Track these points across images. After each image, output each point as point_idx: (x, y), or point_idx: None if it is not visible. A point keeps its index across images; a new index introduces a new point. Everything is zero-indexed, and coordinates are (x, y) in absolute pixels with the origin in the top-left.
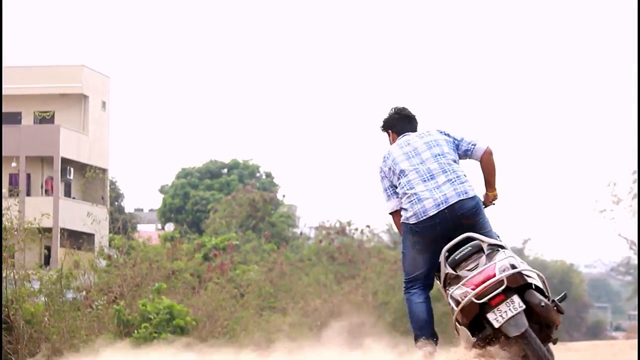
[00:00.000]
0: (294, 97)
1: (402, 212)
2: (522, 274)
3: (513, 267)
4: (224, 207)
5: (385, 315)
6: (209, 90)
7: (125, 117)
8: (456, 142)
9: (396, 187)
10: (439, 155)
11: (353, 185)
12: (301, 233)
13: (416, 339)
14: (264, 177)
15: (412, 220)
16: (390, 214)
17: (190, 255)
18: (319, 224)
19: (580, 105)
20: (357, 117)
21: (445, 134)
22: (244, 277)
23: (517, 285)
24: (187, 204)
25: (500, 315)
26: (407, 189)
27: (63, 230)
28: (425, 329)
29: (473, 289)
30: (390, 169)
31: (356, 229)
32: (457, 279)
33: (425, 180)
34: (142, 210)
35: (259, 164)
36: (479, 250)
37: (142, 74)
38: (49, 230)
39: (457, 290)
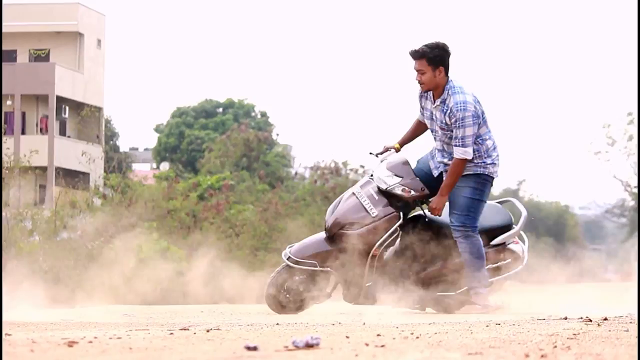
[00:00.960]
0: (289, 35)
1: (481, 161)
2: None
3: None
4: (219, 146)
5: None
6: (205, 29)
7: (121, 56)
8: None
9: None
10: None
11: (348, 125)
12: (296, 173)
13: (483, 279)
14: (259, 116)
15: (497, 175)
16: (465, 159)
17: (185, 195)
18: (313, 164)
19: (575, 45)
20: (351, 56)
21: None
22: (240, 217)
23: None
24: (182, 143)
25: None
26: (495, 145)
27: (58, 169)
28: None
29: None
30: (482, 114)
31: (351, 169)
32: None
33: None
34: (137, 149)
35: (254, 103)
36: None
37: (138, 12)
38: (44, 169)
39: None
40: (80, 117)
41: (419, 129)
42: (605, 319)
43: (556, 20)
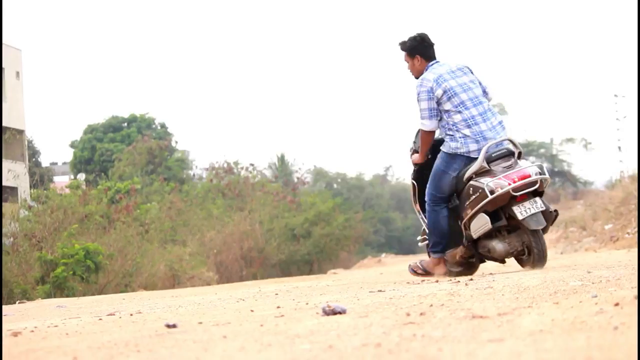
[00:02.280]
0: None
1: (452, 140)
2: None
3: (541, 173)
4: (127, 156)
5: (271, 240)
6: (107, 53)
7: (38, 83)
8: (482, 85)
9: (440, 111)
10: (482, 95)
11: (238, 128)
12: (194, 174)
13: (435, 246)
14: (159, 127)
15: (475, 155)
16: (425, 131)
17: (98, 200)
18: (209, 165)
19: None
20: (240, 58)
21: (472, 73)
22: (147, 215)
23: (541, 190)
24: (94, 155)
25: (525, 210)
26: (471, 123)
27: None
28: (445, 240)
29: (511, 183)
30: (444, 92)
31: (242, 167)
32: (489, 172)
33: (485, 120)
34: (56, 163)
35: (154, 116)
36: (512, 153)
37: (50, 44)
38: None
39: (492, 182)
40: (4, 140)
41: None
42: (471, 280)
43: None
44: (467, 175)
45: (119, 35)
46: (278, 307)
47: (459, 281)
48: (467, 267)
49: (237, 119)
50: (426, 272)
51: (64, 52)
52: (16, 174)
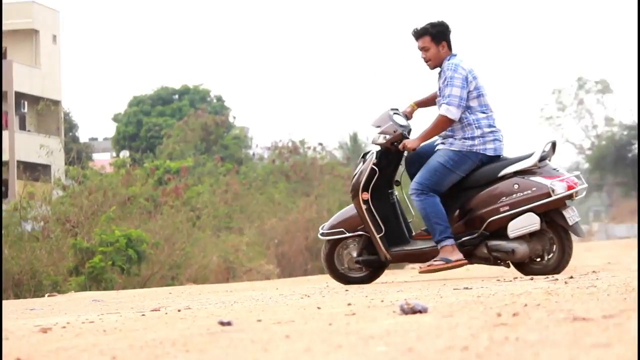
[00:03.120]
0: (240, 17)
1: (469, 138)
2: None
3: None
4: (177, 132)
5: None
6: (157, 17)
7: (77, 49)
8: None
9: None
10: None
11: (304, 104)
12: (253, 154)
13: (443, 232)
14: (215, 101)
15: (490, 153)
16: (446, 119)
17: (144, 181)
18: (271, 144)
19: (523, 9)
20: (306, 33)
21: None
22: (199, 199)
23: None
24: (140, 130)
25: (574, 217)
26: (492, 123)
27: (19, 162)
28: (448, 226)
29: (572, 187)
30: (475, 89)
31: (309, 147)
32: (535, 172)
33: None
34: (96, 139)
35: (209, 88)
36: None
37: (91, 6)
38: (5, 163)
39: (552, 182)
40: (38, 111)
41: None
42: (571, 277)
43: None
44: (512, 170)
45: None
46: (349, 304)
47: (557, 279)
48: (372, 272)
49: (304, 93)
50: (447, 262)
51: (107, 14)
52: (50, 149)
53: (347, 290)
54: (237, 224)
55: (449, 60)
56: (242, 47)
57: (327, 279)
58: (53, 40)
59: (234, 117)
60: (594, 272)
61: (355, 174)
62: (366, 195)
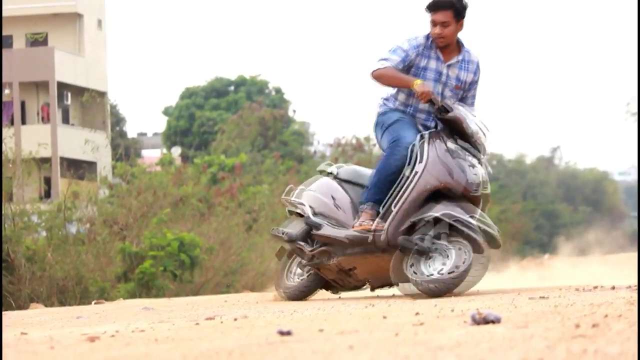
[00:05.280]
0: (300, 4)
1: None
2: None
3: None
4: (232, 127)
5: None
6: (210, 2)
7: (124, 36)
8: None
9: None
10: None
11: (369, 98)
12: (315, 151)
13: (376, 199)
14: (273, 93)
15: None
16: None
17: (196, 179)
18: (334, 140)
19: (604, 6)
20: (373, 22)
21: None
22: (256, 200)
23: None
24: (193, 125)
25: None
26: None
27: (63, 159)
28: (384, 193)
29: None
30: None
31: (374, 145)
32: None
33: None
34: (145, 134)
35: (267, 79)
36: None
37: None
38: (47, 160)
39: None
40: (83, 103)
41: None
42: None
43: None
44: None
45: None
46: (417, 313)
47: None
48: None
49: (369, 86)
50: None
51: None
52: (95, 145)
53: (414, 299)
54: None
55: (468, 50)
56: (304, 35)
57: (394, 289)
58: (98, 25)
59: (294, 111)
60: None
61: None
62: None
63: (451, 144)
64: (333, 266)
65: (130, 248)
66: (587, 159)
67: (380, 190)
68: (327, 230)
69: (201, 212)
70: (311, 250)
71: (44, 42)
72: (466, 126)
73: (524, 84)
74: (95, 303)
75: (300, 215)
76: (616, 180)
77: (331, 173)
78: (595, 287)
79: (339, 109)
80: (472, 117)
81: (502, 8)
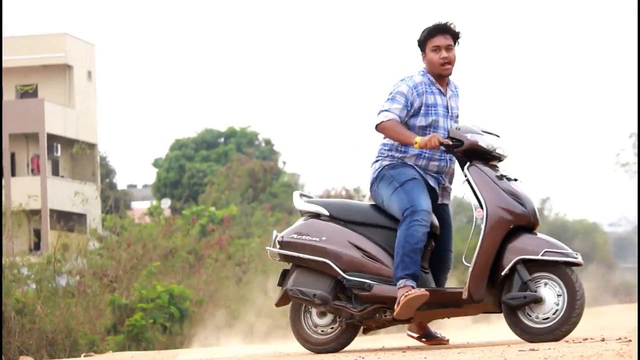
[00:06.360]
0: (289, 57)
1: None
2: None
3: None
4: (222, 179)
5: None
6: (201, 55)
7: (114, 88)
8: None
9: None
10: None
11: (358, 150)
12: None
13: (409, 273)
14: (263, 144)
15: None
16: None
17: (185, 231)
18: (323, 192)
19: (596, 54)
20: (358, 76)
21: None
22: (246, 252)
23: None
24: (183, 177)
25: None
26: None
27: (52, 211)
28: (416, 265)
29: None
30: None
31: (364, 196)
32: None
33: None
34: (135, 186)
35: (257, 130)
36: None
37: (129, 41)
38: (37, 212)
39: None
40: (73, 155)
41: None
42: None
43: (576, 28)
44: None
45: (214, 29)
46: None
47: (630, 340)
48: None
49: (357, 136)
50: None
51: (146, 49)
52: (85, 197)
53: (404, 352)
54: None
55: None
56: (293, 87)
57: (383, 339)
58: (88, 76)
59: (284, 163)
60: None
61: None
62: None
63: (492, 171)
64: (388, 318)
65: (120, 300)
66: (577, 210)
67: (408, 266)
68: (385, 289)
69: (191, 264)
70: (361, 311)
71: (34, 93)
72: (483, 144)
73: (514, 135)
74: (84, 356)
75: (298, 266)
76: (606, 231)
77: (319, 214)
78: (585, 339)
79: (329, 160)
80: (475, 129)
81: (488, 54)
